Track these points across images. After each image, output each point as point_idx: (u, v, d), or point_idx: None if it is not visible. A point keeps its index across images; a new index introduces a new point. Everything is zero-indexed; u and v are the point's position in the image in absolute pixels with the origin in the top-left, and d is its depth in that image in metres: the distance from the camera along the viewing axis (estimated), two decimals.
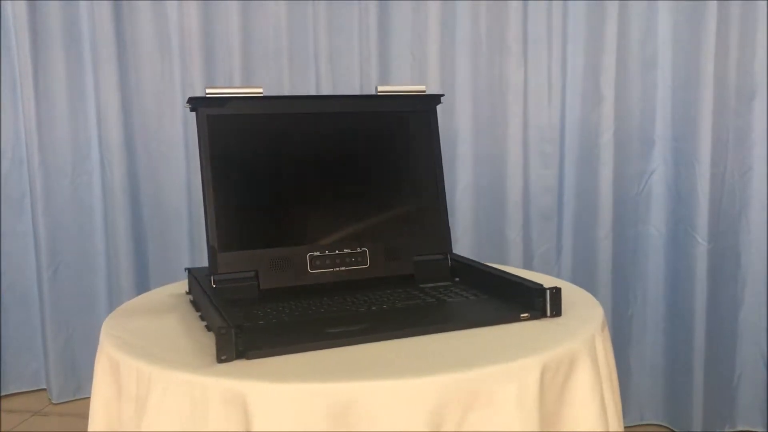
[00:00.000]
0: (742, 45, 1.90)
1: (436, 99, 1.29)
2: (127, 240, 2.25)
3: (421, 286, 1.20)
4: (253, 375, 0.84)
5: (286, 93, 2.13)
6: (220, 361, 0.87)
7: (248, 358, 0.88)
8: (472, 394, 0.83)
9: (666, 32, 1.96)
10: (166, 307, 1.16)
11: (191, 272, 1.21)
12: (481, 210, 2.13)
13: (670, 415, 2.06)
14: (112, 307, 2.31)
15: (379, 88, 1.27)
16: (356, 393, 0.81)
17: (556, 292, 1.02)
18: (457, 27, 2.07)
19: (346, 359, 0.89)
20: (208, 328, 1.02)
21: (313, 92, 2.15)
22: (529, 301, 1.04)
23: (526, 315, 1.02)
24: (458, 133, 2.10)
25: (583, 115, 2.03)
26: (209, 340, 0.95)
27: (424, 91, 1.28)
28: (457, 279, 1.24)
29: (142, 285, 2.29)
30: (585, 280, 2.03)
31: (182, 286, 1.30)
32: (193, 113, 1.16)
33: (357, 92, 2.13)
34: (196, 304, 1.15)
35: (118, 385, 0.94)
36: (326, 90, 2.14)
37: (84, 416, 2.20)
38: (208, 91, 1.14)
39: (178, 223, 2.29)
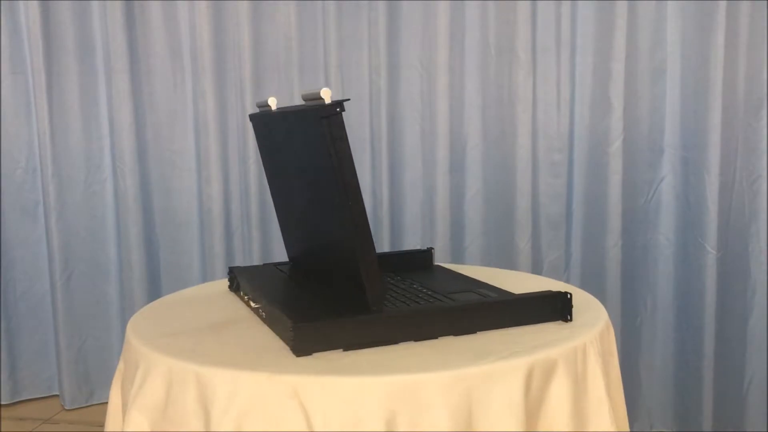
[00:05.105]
0: (751, 53, 1.90)
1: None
2: (139, 248, 2.27)
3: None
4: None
5: (296, 103, 2.15)
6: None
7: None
8: None
9: (675, 40, 1.96)
10: None
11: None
12: (490, 218, 2.14)
13: (680, 423, 2.06)
14: (124, 314, 2.33)
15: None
16: None
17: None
18: (466, 36, 2.08)
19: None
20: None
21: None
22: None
23: None
24: (467, 142, 2.11)
25: (591, 123, 2.04)
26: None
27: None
28: None
29: (154, 292, 2.31)
30: (594, 288, 2.03)
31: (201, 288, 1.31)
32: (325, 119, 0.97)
33: (366, 102, 2.15)
34: None
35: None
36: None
37: (96, 423, 2.22)
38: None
39: (189, 232, 2.31)
